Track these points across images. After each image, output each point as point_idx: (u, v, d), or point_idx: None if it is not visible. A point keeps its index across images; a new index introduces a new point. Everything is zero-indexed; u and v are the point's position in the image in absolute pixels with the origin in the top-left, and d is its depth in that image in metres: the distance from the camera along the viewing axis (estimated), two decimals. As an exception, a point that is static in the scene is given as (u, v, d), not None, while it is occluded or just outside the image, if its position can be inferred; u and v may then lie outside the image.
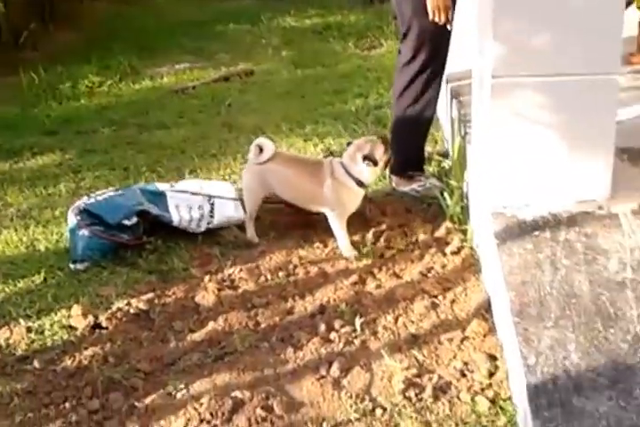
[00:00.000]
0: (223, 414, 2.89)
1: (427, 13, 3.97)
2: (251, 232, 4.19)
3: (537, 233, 3.30)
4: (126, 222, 4.08)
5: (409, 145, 4.54)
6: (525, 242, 3.25)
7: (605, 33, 3.08)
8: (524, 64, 3.13)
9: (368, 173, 4.02)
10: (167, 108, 6.34)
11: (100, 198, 4.18)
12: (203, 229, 4.27)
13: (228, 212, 4.34)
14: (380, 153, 4.03)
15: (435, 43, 4.13)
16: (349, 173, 4.01)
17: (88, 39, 8.46)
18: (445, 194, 4.19)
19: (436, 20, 3.99)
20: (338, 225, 4.04)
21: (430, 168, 4.78)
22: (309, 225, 4.30)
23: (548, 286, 3.02)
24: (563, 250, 3.20)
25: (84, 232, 4.04)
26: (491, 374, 3.03)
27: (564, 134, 3.32)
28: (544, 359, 2.72)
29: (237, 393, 2.99)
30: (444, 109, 5.07)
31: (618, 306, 2.90)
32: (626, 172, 3.63)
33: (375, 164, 3.99)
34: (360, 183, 4.04)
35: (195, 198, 4.31)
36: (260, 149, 4.08)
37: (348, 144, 4.14)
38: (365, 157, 3.97)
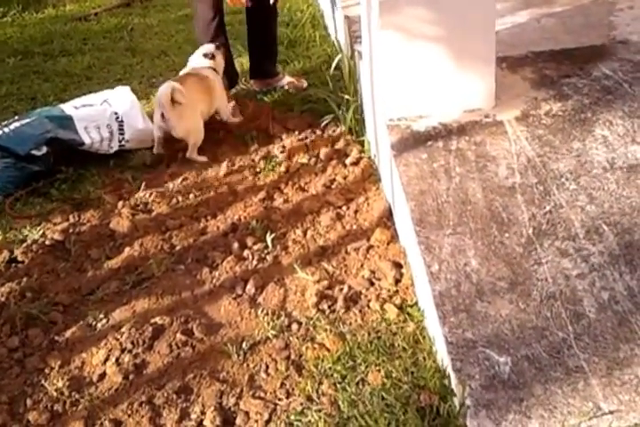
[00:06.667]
0: (144, 341, 2.61)
1: None
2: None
3: (430, 143, 3.03)
4: (36, 153, 3.64)
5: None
6: (420, 152, 2.99)
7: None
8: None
9: None
10: (71, 36, 5.76)
11: (6, 130, 3.70)
12: (115, 148, 3.88)
13: (137, 125, 3.92)
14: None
15: None
16: None
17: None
18: (342, 107, 3.88)
19: None
20: None
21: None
22: (216, 145, 3.95)
23: (445, 195, 2.78)
24: (455, 159, 2.95)
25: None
26: (397, 281, 2.82)
27: (450, 48, 3.03)
28: (446, 266, 2.50)
29: (157, 319, 2.71)
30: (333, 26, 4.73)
31: (510, 211, 2.69)
32: (506, 79, 3.38)
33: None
34: None
35: (102, 115, 3.86)
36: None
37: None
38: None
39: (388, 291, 2.77)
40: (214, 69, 4.09)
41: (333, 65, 3.92)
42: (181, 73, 4.14)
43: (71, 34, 5.81)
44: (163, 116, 3.71)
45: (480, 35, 3.03)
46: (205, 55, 4.08)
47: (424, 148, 3.00)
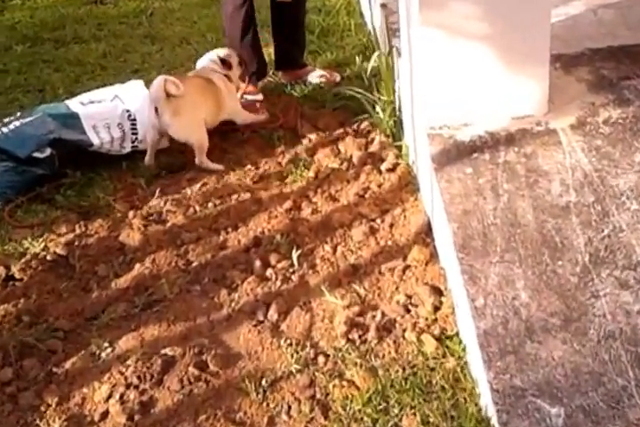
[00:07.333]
0: (152, 376, 2.49)
1: None
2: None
3: (476, 155, 2.89)
4: (38, 155, 3.52)
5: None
6: (464, 166, 2.85)
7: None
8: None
9: None
10: (85, 21, 5.65)
11: (5, 130, 3.57)
12: (128, 149, 3.76)
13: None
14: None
15: None
16: None
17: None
18: (377, 107, 3.72)
19: None
20: None
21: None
22: (239, 146, 3.85)
23: (492, 216, 2.63)
24: (503, 173, 2.80)
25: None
26: (435, 309, 2.68)
27: (498, 47, 2.88)
28: (492, 300, 2.36)
29: (167, 350, 2.59)
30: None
31: (564, 234, 2.54)
32: (560, 81, 3.21)
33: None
34: None
35: (112, 113, 3.72)
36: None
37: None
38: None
39: (426, 319, 2.63)
40: (228, 77, 3.94)
41: (370, 65, 3.74)
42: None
43: (85, 19, 5.70)
44: (157, 111, 3.54)
45: (534, 31, 2.87)
46: (222, 61, 3.95)
47: (468, 160, 2.85)
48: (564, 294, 2.35)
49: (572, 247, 2.49)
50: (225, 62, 3.95)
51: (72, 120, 3.63)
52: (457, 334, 2.56)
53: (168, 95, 3.47)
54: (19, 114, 3.74)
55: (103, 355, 2.62)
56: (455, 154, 2.89)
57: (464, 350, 2.48)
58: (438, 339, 2.55)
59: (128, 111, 3.73)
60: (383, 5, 4.12)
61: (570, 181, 2.73)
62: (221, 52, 4.00)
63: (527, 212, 2.63)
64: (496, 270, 2.44)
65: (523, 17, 2.81)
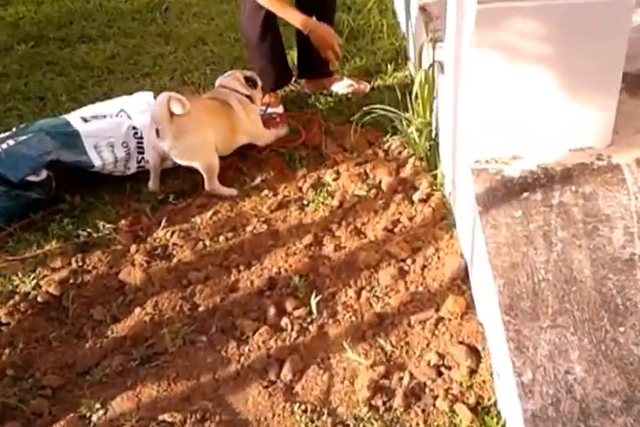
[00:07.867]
0: (147, 448, 2.34)
1: None
2: None
3: (526, 195, 2.71)
4: (33, 179, 3.36)
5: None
6: (513, 208, 2.66)
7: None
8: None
9: None
10: (94, 17, 5.52)
11: (-3, 150, 3.42)
12: (133, 170, 3.60)
13: None
14: None
15: None
16: None
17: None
18: (412, 128, 3.54)
19: None
20: None
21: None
22: (256, 166, 3.70)
23: (543, 270, 2.45)
24: (557, 217, 2.62)
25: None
26: (471, 372, 2.52)
27: (561, 69, 2.69)
28: (542, 375, 2.17)
29: (166, 416, 2.44)
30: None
31: (626, 294, 2.36)
32: (625, 106, 3.00)
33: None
34: None
35: (117, 131, 3.55)
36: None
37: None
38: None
39: (460, 385, 2.48)
40: (250, 98, 3.78)
41: (416, 88, 3.52)
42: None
43: (94, 14, 5.57)
44: (158, 133, 3.36)
45: (607, 52, 2.67)
46: (247, 79, 3.79)
47: (517, 202, 2.67)
48: (625, 368, 2.17)
49: (637, 310, 2.30)
50: (250, 81, 3.79)
51: (72, 139, 3.47)
52: (494, 403, 2.40)
53: (172, 115, 3.29)
54: (14, 130, 3.58)
55: (94, 418, 2.48)
56: (503, 193, 2.71)
57: (504, 426, 2.30)
58: (473, 409, 2.39)
59: (135, 128, 3.58)
60: (422, 9, 3.90)
61: (635, 228, 2.55)
62: (245, 72, 3.87)
63: (584, 266, 2.45)
64: (547, 338, 2.26)
65: (595, 35, 2.61)
